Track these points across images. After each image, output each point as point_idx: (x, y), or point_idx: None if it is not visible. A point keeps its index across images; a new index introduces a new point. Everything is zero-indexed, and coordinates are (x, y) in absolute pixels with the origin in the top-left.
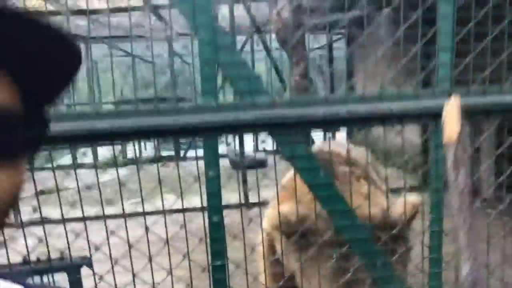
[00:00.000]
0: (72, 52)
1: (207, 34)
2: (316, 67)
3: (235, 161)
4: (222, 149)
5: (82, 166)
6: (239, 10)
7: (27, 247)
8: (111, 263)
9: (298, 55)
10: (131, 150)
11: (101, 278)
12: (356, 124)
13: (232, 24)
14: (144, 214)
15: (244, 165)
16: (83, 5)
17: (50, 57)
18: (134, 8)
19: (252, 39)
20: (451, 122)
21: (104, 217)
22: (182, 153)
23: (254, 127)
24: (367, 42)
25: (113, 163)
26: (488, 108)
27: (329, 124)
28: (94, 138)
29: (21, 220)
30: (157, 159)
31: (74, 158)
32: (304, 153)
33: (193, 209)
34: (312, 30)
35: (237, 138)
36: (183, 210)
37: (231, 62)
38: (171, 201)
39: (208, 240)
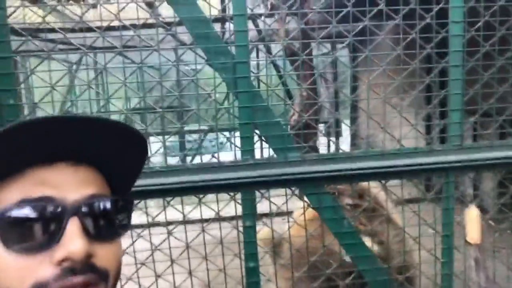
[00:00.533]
0: (140, 142)
1: (246, 99)
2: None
3: None
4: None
5: None
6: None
7: None
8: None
9: (306, 69)
10: None
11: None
12: (376, 178)
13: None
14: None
15: None
16: (91, 17)
17: (126, 151)
18: (144, 25)
19: (257, 50)
20: (473, 225)
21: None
22: (189, 159)
23: (286, 181)
24: (370, 51)
25: None
26: (494, 162)
27: (352, 179)
28: (143, 195)
29: None
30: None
31: None
32: (330, 204)
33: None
34: (318, 41)
35: None
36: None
37: (266, 123)
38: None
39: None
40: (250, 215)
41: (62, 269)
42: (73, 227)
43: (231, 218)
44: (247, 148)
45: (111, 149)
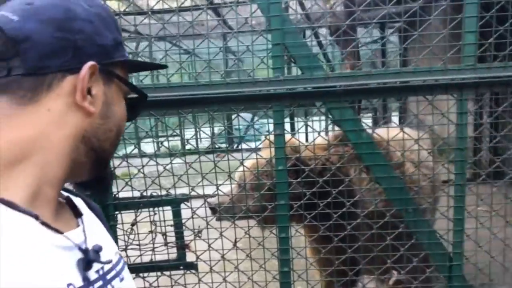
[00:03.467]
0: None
1: (278, 23)
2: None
3: None
4: None
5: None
6: (293, 5)
7: (145, 184)
8: (205, 200)
9: (349, 48)
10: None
11: (194, 212)
12: (393, 94)
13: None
14: None
15: None
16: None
17: None
18: (195, 8)
19: (304, 33)
20: None
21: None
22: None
23: (312, 95)
24: (422, 35)
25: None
26: (508, 80)
27: (371, 93)
28: (190, 103)
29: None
30: (212, 150)
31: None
32: (350, 117)
33: None
34: (365, 24)
35: None
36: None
37: (295, 44)
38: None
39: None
40: (280, 125)
41: None
42: None
43: None
44: (278, 66)
45: None
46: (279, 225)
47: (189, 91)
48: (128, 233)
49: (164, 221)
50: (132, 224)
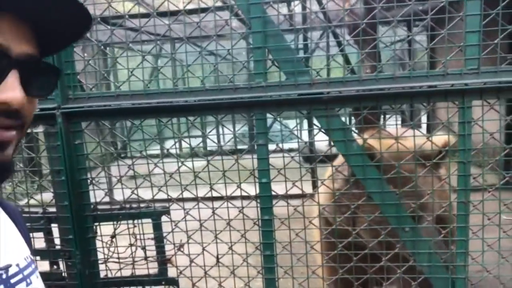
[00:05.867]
0: (81, 12)
1: (258, 25)
2: (396, 59)
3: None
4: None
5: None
6: (312, 6)
7: (124, 196)
8: (184, 213)
9: (369, 48)
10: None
11: (176, 225)
12: (386, 101)
13: (304, 19)
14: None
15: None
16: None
17: (62, 12)
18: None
19: (327, 35)
20: None
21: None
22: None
23: (296, 102)
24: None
25: (194, 153)
26: None
27: (360, 100)
28: (169, 111)
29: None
30: (234, 151)
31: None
32: (338, 126)
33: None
34: (387, 22)
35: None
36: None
37: (278, 48)
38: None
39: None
40: (263, 134)
41: None
42: (13, 78)
43: None
44: (260, 71)
45: (51, 12)
46: (264, 242)
47: (168, 98)
48: (108, 246)
49: (143, 234)
50: (112, 237)
